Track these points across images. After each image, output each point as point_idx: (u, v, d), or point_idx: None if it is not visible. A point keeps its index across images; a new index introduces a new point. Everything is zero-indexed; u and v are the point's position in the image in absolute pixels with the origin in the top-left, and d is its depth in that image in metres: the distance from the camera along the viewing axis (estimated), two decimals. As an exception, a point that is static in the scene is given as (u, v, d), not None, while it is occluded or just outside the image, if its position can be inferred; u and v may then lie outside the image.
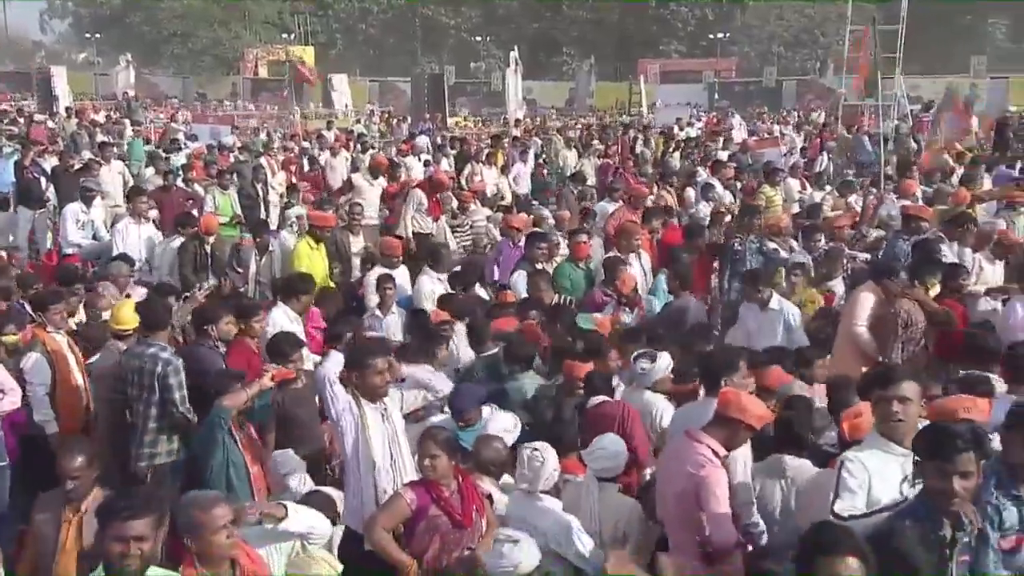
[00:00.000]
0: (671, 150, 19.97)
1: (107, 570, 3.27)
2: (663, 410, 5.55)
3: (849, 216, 9.63)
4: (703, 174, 14.56)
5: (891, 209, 10.66)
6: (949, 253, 8.03)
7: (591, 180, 15.73)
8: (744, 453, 4.45)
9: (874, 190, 12.42)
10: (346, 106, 36.05)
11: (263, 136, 22.03)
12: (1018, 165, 14.98)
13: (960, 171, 13.54)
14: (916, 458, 3.44)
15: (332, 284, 8.88)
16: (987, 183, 13.03)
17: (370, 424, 4.88)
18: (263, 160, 16.18)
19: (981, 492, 3.71)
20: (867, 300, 6.59)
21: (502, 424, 5.38)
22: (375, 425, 4.88)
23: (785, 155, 16.98)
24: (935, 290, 6.92)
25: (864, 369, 5.52)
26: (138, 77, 39.34)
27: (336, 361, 4.86)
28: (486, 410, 5.61)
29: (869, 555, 2.96)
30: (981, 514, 3.63)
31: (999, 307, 7.26)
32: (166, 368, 5.51)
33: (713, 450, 4.16)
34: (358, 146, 18.98)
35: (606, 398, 5.54)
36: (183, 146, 18.36)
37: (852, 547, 2.96)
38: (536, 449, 4.61)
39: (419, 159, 18.51)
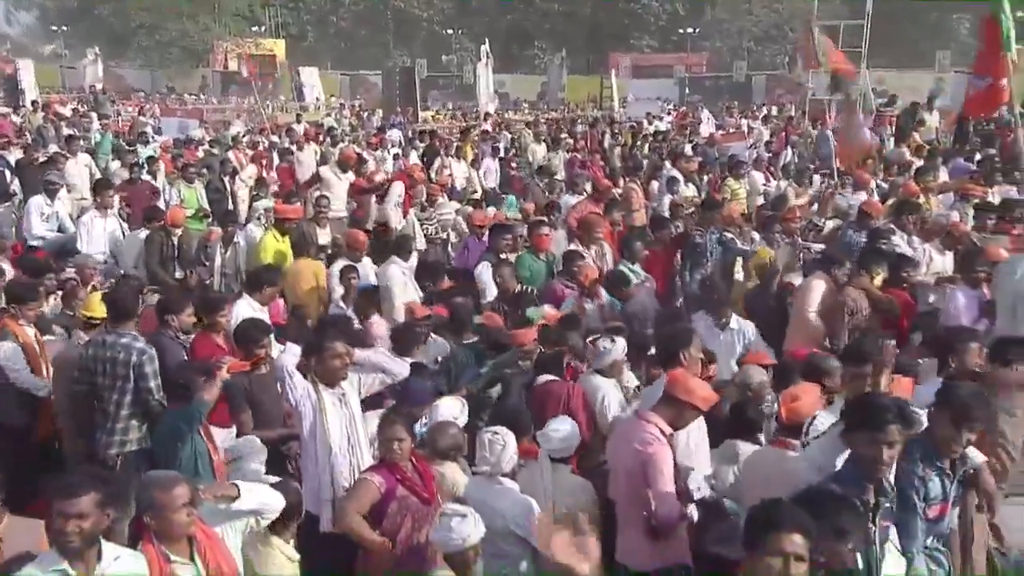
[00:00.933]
0: (638, 144, 20.19)
1: (54, 544, 3.40)
2: (609, 394, 5.67)
3: (799, 208, 9.86)
4: (669, 168, 14.78)
5: (848, 200, 10.93)
6: (901, 243, 8.28)
7: (560, 174, 15.90)
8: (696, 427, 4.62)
9: (832, 182, 12.69)
10: (317, 99, 35.96)
11: (232, 130, 21.97)
12: (976, 157, 15.33)
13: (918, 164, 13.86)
14: (845, 428, 3.64)
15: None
16: (944, 176, 13.35)
17: (328, 410, 5.06)
18: (231, 154, 16.20)
19: (909, 466, 3.95)
20: (817, 288, 6.82)
21: (449, 411, 5.52)
22: (333, 410, 5.06)
23: (749, 149, 17.23)
24: (880, 279, 7.14)
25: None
26: (106, 70, 39.01)
27: (294, 353, 5.03)
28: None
29: (813, 530, 3.11)
30: (908, 486, 3.86)
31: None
32: (141, 357, 5.64)
33: (660, 429, 4.34)
34: (327, 139, 19.02)
35: (554, 377, 5.70)
36: (150, 139, 18.31)
37: (798, 524, 3.10)
38: (496, 433, 4.75)
39: (389, 152, 18.62)
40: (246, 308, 6.81)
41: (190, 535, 3.73)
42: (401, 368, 5.73)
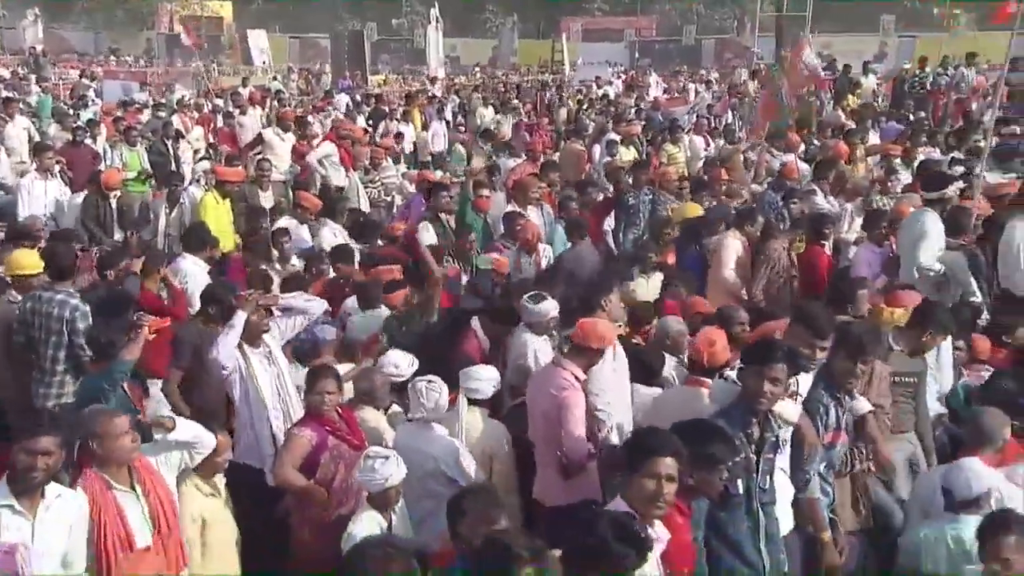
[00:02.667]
0: (585, 108, 20.42)
1: (10, 484, 3.60)
2: (539, 349, 5.88)
3: (721, 171, 10.23)
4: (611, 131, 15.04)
5: (778, 162, 11.31)
6: (821, 202, 8.68)
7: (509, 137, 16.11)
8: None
9: (764, 144, 13.04)
10: (264, 63, 35.47)
11: (177, 93, 21.75)
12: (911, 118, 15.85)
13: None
14: (739, 366, 3.97)
15: (236, 239, 9.13)
16: (874, 138, 13.82)
17: (256, 369, 5.35)
18: (176, 117, 16.12)
19: (816, 395, 4.31)
20: (732, 245, 7.17)
21: (393, 359, 5.77)
22: (260, 368, 5.35)
23: (689, 113, 17.55)
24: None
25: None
26: (47, 31, 37.97)
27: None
28: None
29: (684, 455, 3.44)
30: (814, 412, 4.23)
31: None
32: (74, 313, 5.80)
33: (574, 375, 4.64)
34: (275, 103, 18.95)
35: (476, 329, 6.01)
36: (91, 102, 18.10)
37: (672, 449, 3.43)
38: (431, 381, 4.99)
39: (337, 116, 18.60)
40: (193, 267, 6.98)
41: (131, 463, 3.98)
42: (319, 306, 5.94)
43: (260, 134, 12.74)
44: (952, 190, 7.36)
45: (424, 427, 4.92)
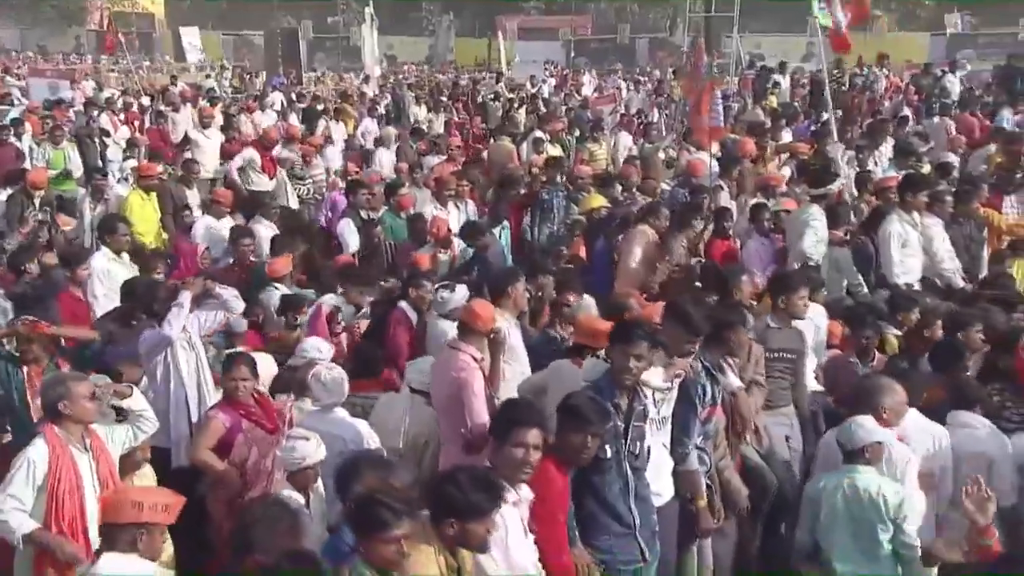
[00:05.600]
0: (516, 107, 20.78)
1: None
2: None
3: (632, 168, 10.69)
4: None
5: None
6: (725, 198, 9.19)
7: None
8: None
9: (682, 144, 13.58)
10: (200, 60, 35.12)
11: (106, 92, 21.56)
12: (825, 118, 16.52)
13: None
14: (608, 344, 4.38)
15: (164, 236, 9.30)
16: (787, 136, 14.43)
17: (179, 353, 5.69)
18: (104, 116, 16.08)
19: (695, 374, 4.72)
20: (638, 239, 7.62)
21: (315, 344, 5.98)
22: (182, 353, 5.69)
23: (612, 112, 18.02)
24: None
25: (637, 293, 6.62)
26: (-30, 28, 37.10)
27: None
28: None
29: (547, 424, 3.83)
30: (692, 389, 4.64)
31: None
32: None
33: (472, 356, 4.99)
34: (207, 101, 18.93)
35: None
36: (16, 101, 17.91)
37: (536, 420, 3.84)
38: (332, 369, 5.30)
39: (269, 114, 18.66)
40: (102, 259, 7.17)
41: (88, 425, 4.41)
42: (239, 304, 6.21)
43: (186, 134, 12.84)
44: (836, 186, 7.89)
45: (329, 412, 5.18)
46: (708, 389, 4.81)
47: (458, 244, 8.68)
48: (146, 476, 5.01)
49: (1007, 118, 14.79)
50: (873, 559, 4.45)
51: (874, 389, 4.96)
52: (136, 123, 16.50)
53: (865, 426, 4.61)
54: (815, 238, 7.39)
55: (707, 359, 4.84)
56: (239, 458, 5.13)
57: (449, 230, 8.61)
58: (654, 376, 4.43)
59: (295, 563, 2.80)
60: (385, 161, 13.12)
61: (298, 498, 4.56)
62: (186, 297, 5.72)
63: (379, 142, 14.38)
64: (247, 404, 5.30)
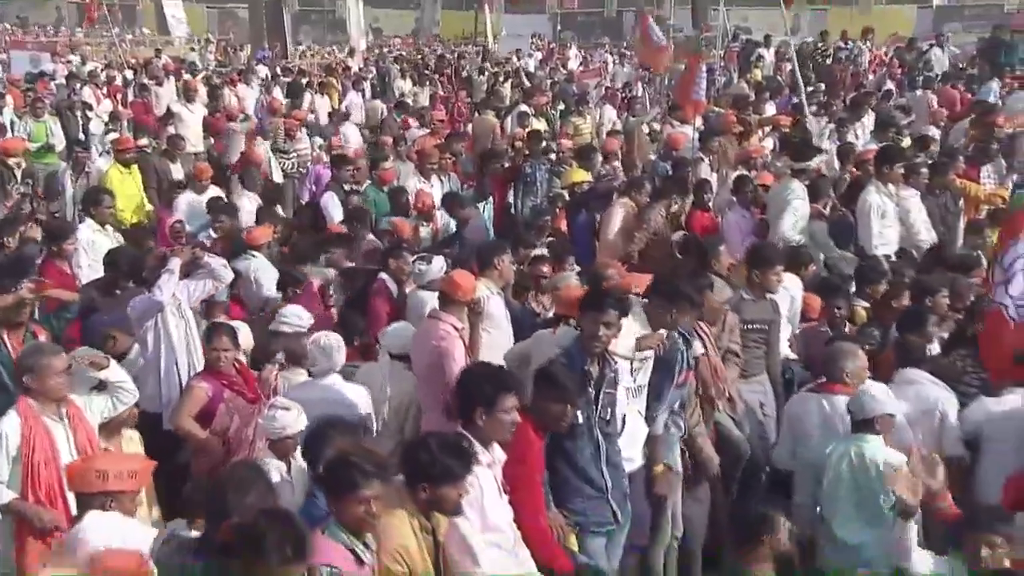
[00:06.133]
0: (501, 80, 20.73)
1: None
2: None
3: (615, 141, 10.74)
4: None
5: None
6: (706, 171, 9.27)
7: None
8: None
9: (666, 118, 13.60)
10: (186, 34, 34.79)
11: (88, 65, 21.39)
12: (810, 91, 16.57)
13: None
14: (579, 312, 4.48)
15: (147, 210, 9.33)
16: (771, 110, 14.49)
17: (169, 319, 5.76)
18: (87, 89, 15.99)
19: (674, 342, 4.81)
20: (618, 211, 7.69)
21: (294, 312, 6.00)
22: (172, 319, 5.76)
23: (598, 86, 18.02)
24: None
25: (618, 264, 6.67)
26: (-51, 0, 36.62)
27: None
28: None
29: (523, 389, 3.94)
30: (672, 357, 4.74)
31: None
32: None
33: (452, 325, 5.09)
34: (186, 76, 18.82)
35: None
36: (-5, 74, 17.79)
37: (514, 386, 3.93)
38: (328, 337, 5.38)
39: (253, 88, 18.57)
40: (87, 231, 7.21)
41: (61, 399, 4.46)
42: (228, 274, 6.27)
43: (169, 107, 12.81)
44: (817, 161, 7.96)
45: (325, 378, 5.24)
46: (684, 355, 4.92)
47: (441, 217, 8.73)
48: (133, 440, 5.07)
49: (993, 91, 14.81)
50: (875, 527, 4.47)
51: (837, 354, 5.09)
52: (119, 96, 16.41)
53: (877, 397, 4.66)
54: (794, 218, 7.47)
55: (681, 326, 4.93)
56: (221, 427, 5.22)
57: (432, 203, 8.66)
58: (623, 345, 4.52)
59: (272, 520, 2.87)
60: (351, 135, 13.16)
61: (280, 467, 4.63)
62: (176, 263, 5.79)
63: (345, 117, 14.28)
64: (229, 374, 5.38)
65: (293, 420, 4.62)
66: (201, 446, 5.21)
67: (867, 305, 6.53)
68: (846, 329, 6.20)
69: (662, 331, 4.77)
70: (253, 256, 7.26)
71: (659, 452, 4.88)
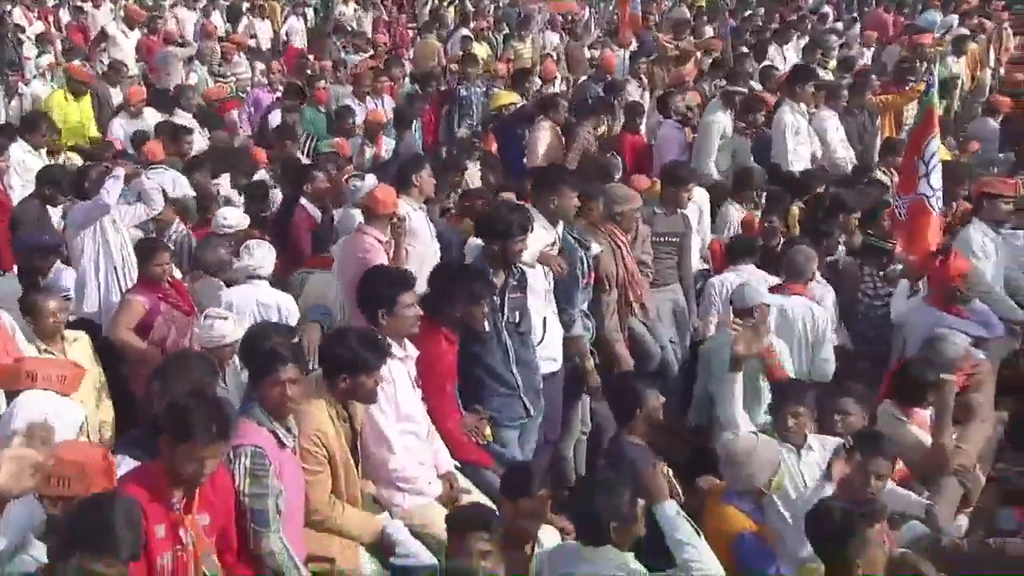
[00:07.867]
0: (445, 5, 20.49)
1: None
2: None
3: (552, 64, 10.94)
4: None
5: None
6: (634, 93, 9.53)
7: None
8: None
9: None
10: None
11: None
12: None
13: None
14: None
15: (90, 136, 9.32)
16: (709, 33, 14.67)
17: (108, 230, 5.96)
18: (18, 10, 15.53)
19: (573, 247, 5.19)
20: (543, 135, 7.95)
21: (223, 213, 6.30)
22: (111, 229, 5.96)
23: (541, 11, 17.96)
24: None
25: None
26: None
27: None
28: None
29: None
30: (573, 263, 5.10)
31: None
32: None
33: (376, 238, 5.34)
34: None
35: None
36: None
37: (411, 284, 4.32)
38: (261, 244, 5.63)
39: (194, 12, 18.17)
40: (18, 151, 7.27)
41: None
42: (159, 198, 6.42)
43: (103, 29, 12.59)
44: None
45: (256, 283, 5.48)
46: (584, 259, 5.28)
47: (385, 142, 8.88)
48: (79, 342, 5.24)
49: (937, 19, 15.00)
50: (756, 404, 4.92)
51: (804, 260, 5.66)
52: (50, 18, 15.98)
53: (756, 290, 5.19)
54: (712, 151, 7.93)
55: (575, 232, 5.29)
56: (159, 336, 5.40)
57: (382, 120, 8.81)
58: (528, 253, 4.82)
59: (199, 402, 3.12)
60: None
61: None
62: (120, 172, 5.94)
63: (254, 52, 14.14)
64: (163, 287, 5.58)
65: (231, 329, 4.83)
66: (140, 356, 5.39)
67: (802, 205, 7.08)
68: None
69: (560, 259, 5.07)
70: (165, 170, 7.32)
71: (584, 351, 5.24)
